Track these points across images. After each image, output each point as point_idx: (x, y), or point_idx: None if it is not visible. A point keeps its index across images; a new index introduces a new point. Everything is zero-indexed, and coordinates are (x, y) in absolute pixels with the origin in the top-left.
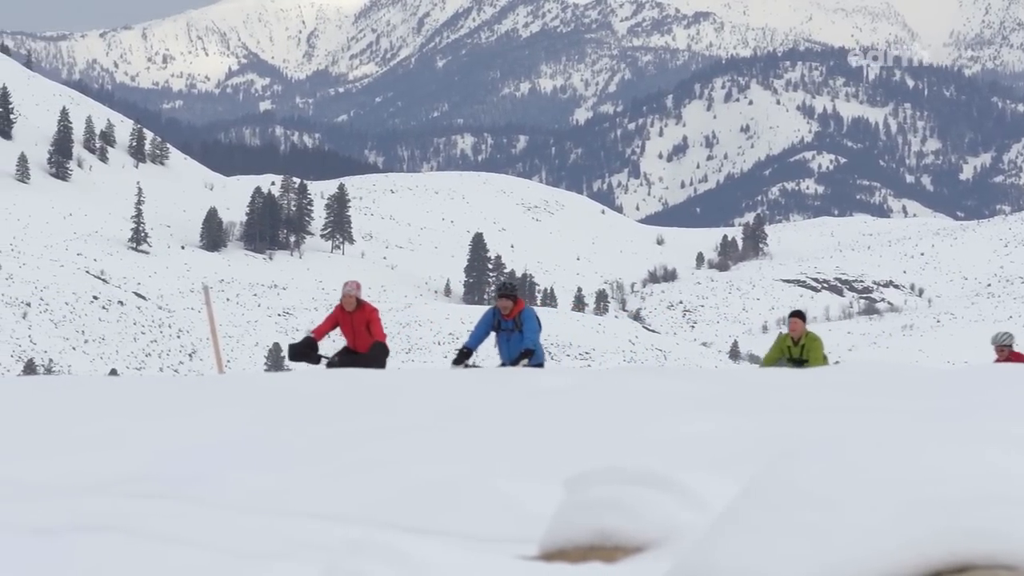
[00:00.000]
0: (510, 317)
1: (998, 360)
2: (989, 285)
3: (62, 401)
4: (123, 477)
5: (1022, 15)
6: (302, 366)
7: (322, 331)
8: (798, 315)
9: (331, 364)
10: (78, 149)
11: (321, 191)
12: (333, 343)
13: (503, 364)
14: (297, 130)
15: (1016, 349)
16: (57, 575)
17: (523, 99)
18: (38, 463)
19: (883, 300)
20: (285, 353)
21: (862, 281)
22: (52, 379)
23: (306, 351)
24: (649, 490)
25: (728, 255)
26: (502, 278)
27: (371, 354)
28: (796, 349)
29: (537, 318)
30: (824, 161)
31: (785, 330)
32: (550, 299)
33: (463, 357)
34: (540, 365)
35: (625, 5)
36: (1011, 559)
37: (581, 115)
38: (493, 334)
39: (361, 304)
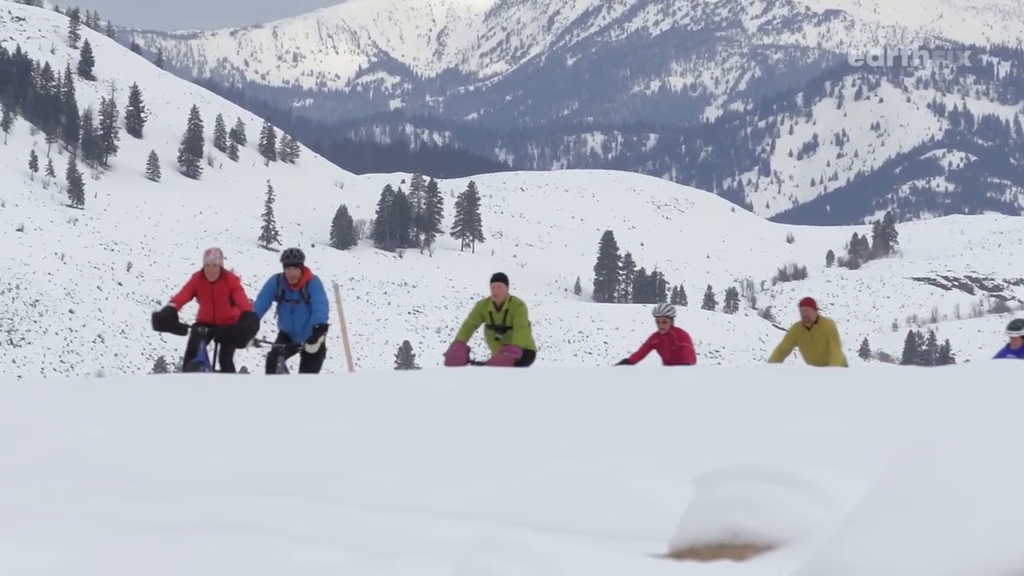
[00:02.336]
0: (297, 287)
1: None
2: None
3: (189, 399)
4: (252, 475)
5: None
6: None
7: (182, 300)
8: (500, 279)
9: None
10: (208, 147)
11: (451, 189)
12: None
13: (286, 338)
14: (427, 128)
15: None
16: (191, 573)
17: (653, 97)
18: (166, 461)
19: (1013, 298)
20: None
21: (992, 279)
22: (179, 377)
23: (170, 320)
24: (779, 488)
25: (858, 253)
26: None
27: (244, 324)
28: (499, 315)
29: (324, 290)
30: (954, 159)
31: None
32: (680, 297)
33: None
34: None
35: (755, 3)
36: None
37: (711, 113)
38: (275, 305)
39: (224, 274)
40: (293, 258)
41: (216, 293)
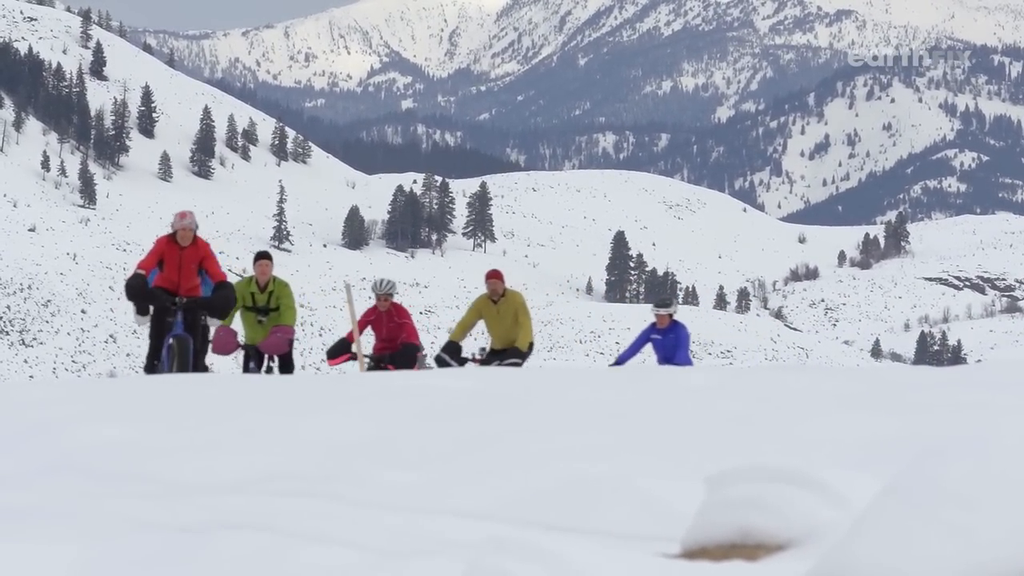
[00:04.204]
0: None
1: None
2: None
3: (201, 399)
4: (265, 475)
5: None
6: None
7: (149, 266)
8: (263, 256)
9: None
10: (220, 148)
11: (463, 189)
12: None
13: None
14: (439, 128)
15: None
16: (205, 573)
17: (665, 97)
18: (178, 461)
19: None
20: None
21: (1004, 279)
22: (187, 377)
23: (144, 289)
24: (791, 488)
25: (870, 253)
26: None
27: (222, 295)
28: (263, 296)
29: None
30: (966, 159)
31: None
32: (692, 297)
33: None
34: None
35: (767, 3)
36: None
37: (723, 113)
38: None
39: (195, 239)
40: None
41: (184, 260)
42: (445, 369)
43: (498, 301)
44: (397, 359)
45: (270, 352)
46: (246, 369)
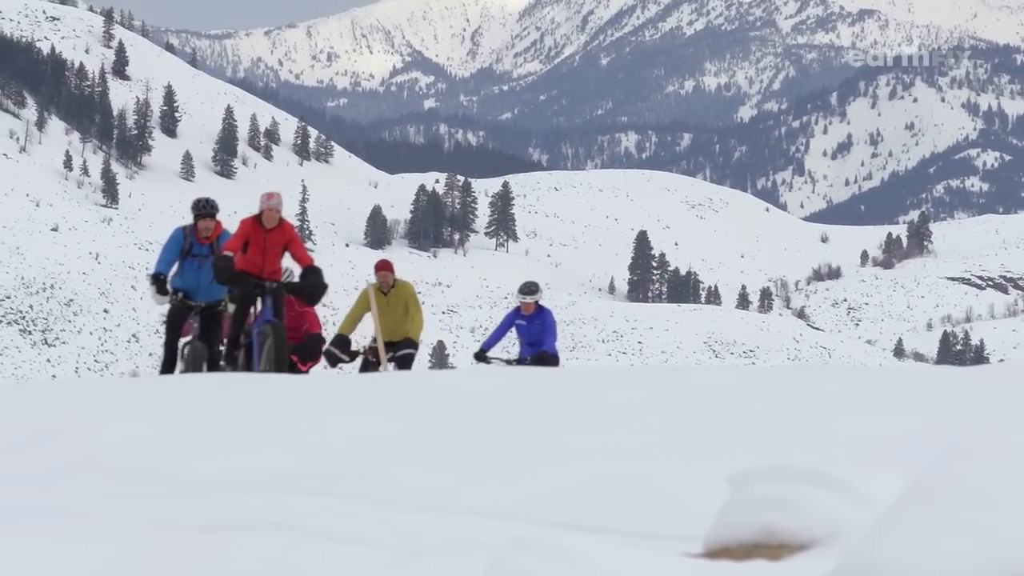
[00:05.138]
0: (208, 241)
1: None
2: None
3: (222, 398)
4: (286, 474)
5: None
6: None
7: (235, 248)
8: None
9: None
10: (243, 147)
11: (485, 189)
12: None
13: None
14: (461, 128)
15: None
16: (226, 573)
17: (687, 97)
18: (200, 461)
19: None
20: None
21: None
22: (207, 377)
23: (237, 275)
24: (814, 487)
25: (893, 253)
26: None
27: (312, 280)
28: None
29: None
30: (989, 159)
31: None
32: (714, 297)
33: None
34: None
35: (789, 3)
36: None
37: (745, 113)
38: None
39: (281, 222)
40: (209, 208)
41: (269, 243)
42: (471, 369)
43: (388, 292)
44: (301, 351)
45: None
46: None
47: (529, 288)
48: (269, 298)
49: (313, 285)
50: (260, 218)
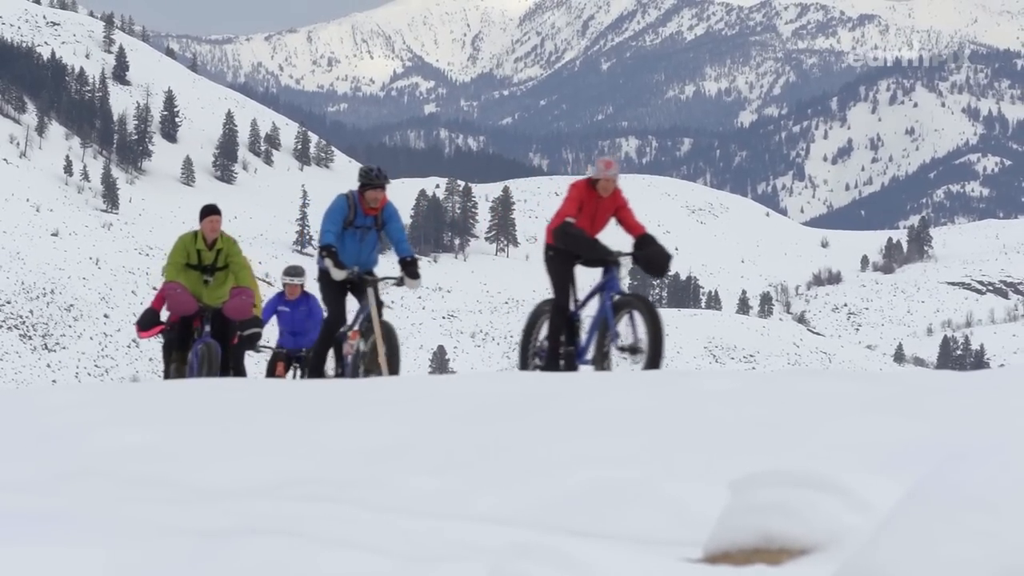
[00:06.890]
0: (374, 212)
1: None
2: None
3: (224, 403)
4: (288, 480)
5: None
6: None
7: (572, 212)
8: (213, 211)
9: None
10: (243, 152)
11: (486, 194)
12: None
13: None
14: (461, 133)
15: None
16: None
17: (687, 102)
18: (202, 466)
19: None
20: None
21: None
22: (214, 381)
23: (591, 241)
24: (815, 492)
25: (893, 258)
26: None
27: (655, 250)
28: (210, 254)
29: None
30: (989, 164)
31: None
32: (714, 301)
33: None
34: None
35: (790, 8)
36: None
37: (746, 118)
38: None
39: (615, 191)
40: (381, 178)
41: (600, 210)
42: (472, 374)
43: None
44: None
45: (235, 316)
46: (199, 336)
47: (295, 270)
48: (614, 269)
49: (657, 254)
50: (595, 184)
